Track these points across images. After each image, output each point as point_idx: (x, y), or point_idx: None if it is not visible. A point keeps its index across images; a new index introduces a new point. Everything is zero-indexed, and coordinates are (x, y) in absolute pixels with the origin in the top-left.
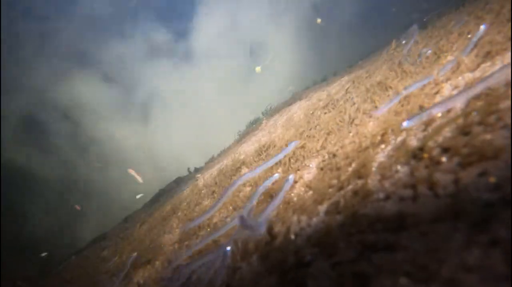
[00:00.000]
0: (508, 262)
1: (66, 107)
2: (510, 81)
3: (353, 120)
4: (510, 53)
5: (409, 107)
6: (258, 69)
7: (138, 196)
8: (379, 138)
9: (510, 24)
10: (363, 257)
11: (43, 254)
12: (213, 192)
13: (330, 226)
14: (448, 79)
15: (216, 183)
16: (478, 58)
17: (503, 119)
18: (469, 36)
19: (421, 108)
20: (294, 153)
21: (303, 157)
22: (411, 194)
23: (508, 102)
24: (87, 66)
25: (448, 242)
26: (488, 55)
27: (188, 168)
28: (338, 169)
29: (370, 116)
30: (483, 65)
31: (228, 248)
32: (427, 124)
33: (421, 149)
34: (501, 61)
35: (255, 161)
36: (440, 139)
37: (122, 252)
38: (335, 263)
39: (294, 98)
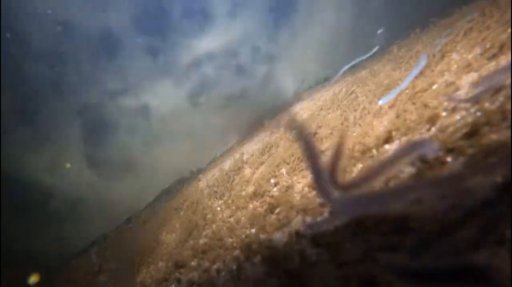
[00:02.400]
0: None
1: None
2: (511, 80)
3: (357, 120)
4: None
5: (415, 107)
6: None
7: None
8: (383, 138)
9: None
10: (369, 257)
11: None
12: (215, 192)
13: (335, 226)
14: (453, 79)
15: (218, 183)
16: (483, 58)
17: (509, 119)
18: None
19: (427, 108)
20: (297, 153)
21: None
22: (416, 195)
23: None
24: None
25: (454, 242)
26: (493, 55)
27: (191, 169)
28: (342, 169)
29: (374, 115)
30: (487, 65)
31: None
32: (432, 123)
33: None
34: (506, 61)
35: (257, 161)
36: (445, 139)
37: (125, 252)
38: (340, 263)
39: (297, 98)
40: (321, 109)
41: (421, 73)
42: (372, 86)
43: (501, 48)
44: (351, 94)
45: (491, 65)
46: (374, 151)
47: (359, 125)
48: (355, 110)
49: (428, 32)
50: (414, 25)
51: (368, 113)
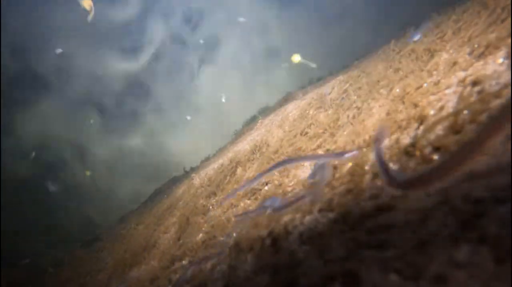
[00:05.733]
0: (496, 258)
1: None
2: (511, 80)
3: (348, 119)
4: (502, 53)
5: (405, 106)
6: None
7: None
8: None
9: (505, 23)
10: (355, 255)
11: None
12: (208, 191)
13: (323, 224)
14: (441, 78)
15: (211, 182)
16: (471, 57)
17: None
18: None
19: (416, 107)
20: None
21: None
22: (402, 192)
23: (499, 101)
24: None
25: (437, 239)
26: (481, 55)
27: (184, 168)
28: (332, 168)
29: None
30: (475, 64)
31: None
32: (420, 122)
33: (413, 146)
34: (493, 61)
35: (249, 161)
36: (432, 137)
37: (117, 252)
38: (327, 260)
39: (290, 98)
40: (313, 108)
41: (412, 72)
42: (365, 85)
43: (488, 47)
44: (343, 93)
45: (479, 64)
46: (365, 150)
47: (351, 124)
48: (347, 109)
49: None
50: (407, 24)
51: (360, 112)
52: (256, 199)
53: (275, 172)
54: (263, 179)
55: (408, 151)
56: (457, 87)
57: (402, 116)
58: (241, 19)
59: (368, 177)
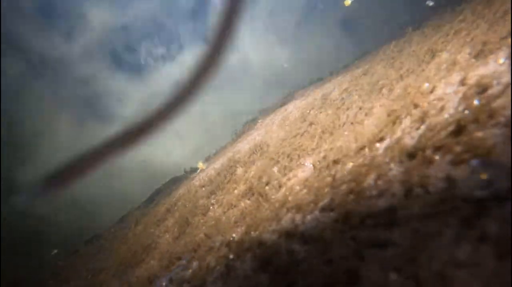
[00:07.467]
0: (497, 257)
1: None
2: (511, 80)
3: (349, 119)
4: (502, 52)
5: (404, 105)
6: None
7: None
8: (375, 137)
9: (505, 23)
10: (355, 254)
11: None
12: (208, 191)
13: (324, 223)
14: (442, 78)
15: (211, 182)
16: (471, 57)
17: (495, 117)
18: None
19: (416, 107)
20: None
21: (298, 155)
22: (403, 191)
23: (499, 101)
24: None
25: (438, 237)
26: (481, 54)
27: (184, 168)
28: (333, 167)
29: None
30: (476, 64)
31: None
32: (422, 122)
33: (415, 147)
34: (494, 60)
35: (249, 160)
36: (433, 137)
37: (118, 252)
38: (327, 260)
39: (290, 98)
40: (313, 108)
41: (413, 72)
42: (365, 85)
43: (490, 48)
44: (343, 93)
45: (480, 64)
46: (366, 149)
47: (351, 123)
48: (347, 109)
49: (421, 31)
50: (407, 24)
51: (361, 112)
52: (255, 199)
53: (275, 171)
54: (264, 179)
55: (410, 152)
56: (458, 87)
57: (403, 116)
58: None
59: (369, 176)
